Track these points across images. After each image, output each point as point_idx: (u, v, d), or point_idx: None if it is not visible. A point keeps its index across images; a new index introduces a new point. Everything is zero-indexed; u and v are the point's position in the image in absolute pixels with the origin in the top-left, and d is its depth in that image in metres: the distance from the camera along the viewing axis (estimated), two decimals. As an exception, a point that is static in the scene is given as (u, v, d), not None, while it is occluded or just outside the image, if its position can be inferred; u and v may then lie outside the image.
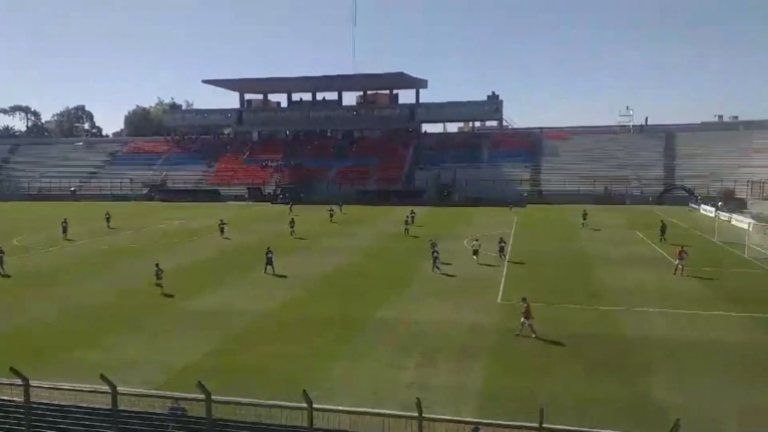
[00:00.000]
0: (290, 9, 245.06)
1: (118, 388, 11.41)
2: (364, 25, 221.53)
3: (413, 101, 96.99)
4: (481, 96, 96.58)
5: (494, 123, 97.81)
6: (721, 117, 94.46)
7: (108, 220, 53.13)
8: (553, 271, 33.15)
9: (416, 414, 9.95)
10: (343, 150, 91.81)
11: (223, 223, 46.73)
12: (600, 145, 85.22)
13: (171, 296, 27.58)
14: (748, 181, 66.25)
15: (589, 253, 38.29)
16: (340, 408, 10.87)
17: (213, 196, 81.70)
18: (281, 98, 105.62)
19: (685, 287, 28.83)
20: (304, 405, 10.59)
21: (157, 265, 29.11)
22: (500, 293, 27.84)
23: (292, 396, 11.88)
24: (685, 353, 19.45)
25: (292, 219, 49.33)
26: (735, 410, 15.30)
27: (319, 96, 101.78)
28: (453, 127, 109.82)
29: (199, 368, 18.02)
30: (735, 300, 26.12)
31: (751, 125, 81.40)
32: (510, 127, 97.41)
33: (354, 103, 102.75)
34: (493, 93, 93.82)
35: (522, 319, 21.18)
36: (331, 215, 56.34)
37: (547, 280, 30.61)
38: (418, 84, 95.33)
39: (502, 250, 36.38)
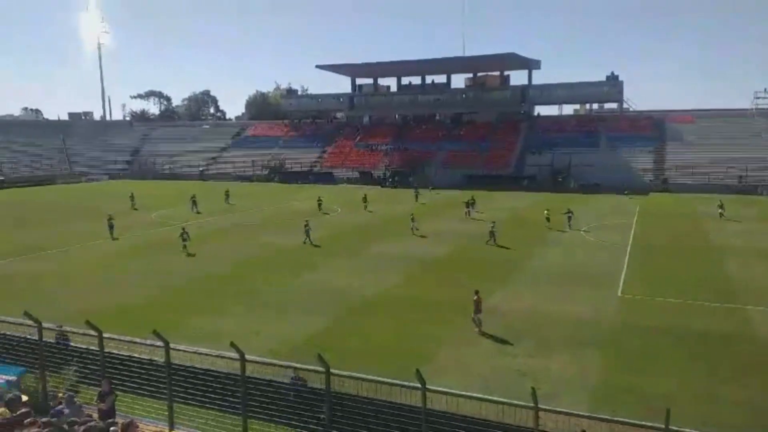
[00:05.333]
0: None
1: (246, 356, 12.11)
2: (473, 6, 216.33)
3: (525, 83, 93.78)
4: (597, 78, 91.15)
5: (613, 105, 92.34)
6: None
7: (227, 196, 59.34)
8: (681, 264, 31.08)
9: (532, 404, 9.85)
10: (452, 134, 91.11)
11: (320, 200, 53.85)
12: (731, 131, 77.71)
13: (293, 270, 29.83)
14: None
15: (720, 246, 35.35)
16: (454, 392, 10.96)
17: (327, 178, 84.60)
18: (391, 82, 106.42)
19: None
20: (418, 385, 10.65)
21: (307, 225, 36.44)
22: (620, 286, 26.57)
23: (401, 374, 12.26)
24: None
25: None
26: None
27: (428, 79, 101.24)
28: (568, 110, 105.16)
29: (317, 341, 19.00)
30: None
31: None
32: (630, 109, 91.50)
33: (463, 85, 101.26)
34: (612, 73, 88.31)
35: (473, 314, 20.32)
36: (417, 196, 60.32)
37: (673, 274, 28.77)
38: (530, 65, 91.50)
39: (569, 219, 41.19)
